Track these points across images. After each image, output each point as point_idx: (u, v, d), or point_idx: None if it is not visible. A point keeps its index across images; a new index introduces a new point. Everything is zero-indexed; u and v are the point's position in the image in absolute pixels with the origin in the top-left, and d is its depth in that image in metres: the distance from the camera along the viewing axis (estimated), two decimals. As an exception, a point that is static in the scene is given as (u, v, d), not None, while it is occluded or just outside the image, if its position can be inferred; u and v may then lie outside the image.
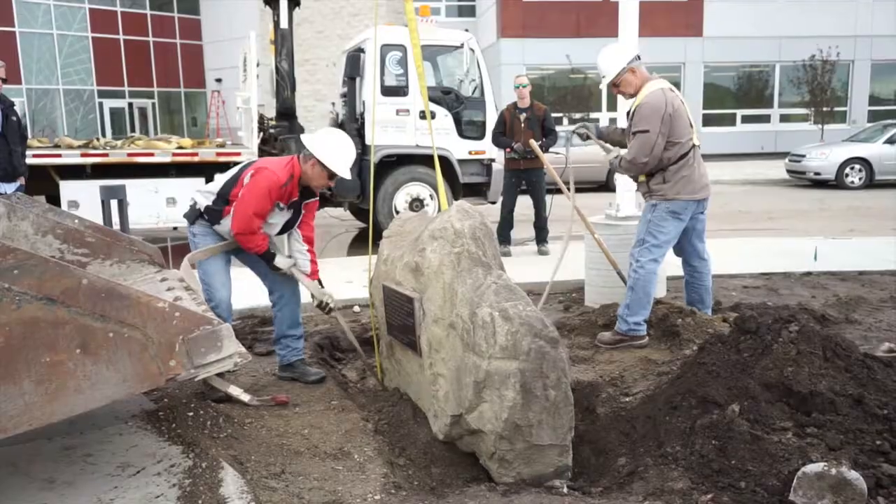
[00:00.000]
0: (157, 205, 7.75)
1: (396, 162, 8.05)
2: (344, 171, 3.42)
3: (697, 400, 2.69)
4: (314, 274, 3.69)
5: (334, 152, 3.39)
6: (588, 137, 4.33)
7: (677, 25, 20.60)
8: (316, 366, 3.83)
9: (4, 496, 2.42)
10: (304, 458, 2.83)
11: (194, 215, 3.52)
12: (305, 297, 3.81)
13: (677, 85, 24.98)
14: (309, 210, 3.64)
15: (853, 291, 5.21)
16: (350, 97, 8.15)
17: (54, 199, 7.63)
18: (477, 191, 8.44)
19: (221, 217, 3.45)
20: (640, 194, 4.17)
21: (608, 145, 4.28)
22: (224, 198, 3.43)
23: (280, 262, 3.53)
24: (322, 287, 3.72)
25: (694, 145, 3.93)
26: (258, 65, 8.11)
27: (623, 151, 4.08)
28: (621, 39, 4.93)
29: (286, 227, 3.59)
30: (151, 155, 8.03)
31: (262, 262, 3.60)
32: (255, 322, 4.78)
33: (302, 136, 3.70)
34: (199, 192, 3.59)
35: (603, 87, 4.12)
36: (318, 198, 3.69)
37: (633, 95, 3.98)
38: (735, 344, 2.94)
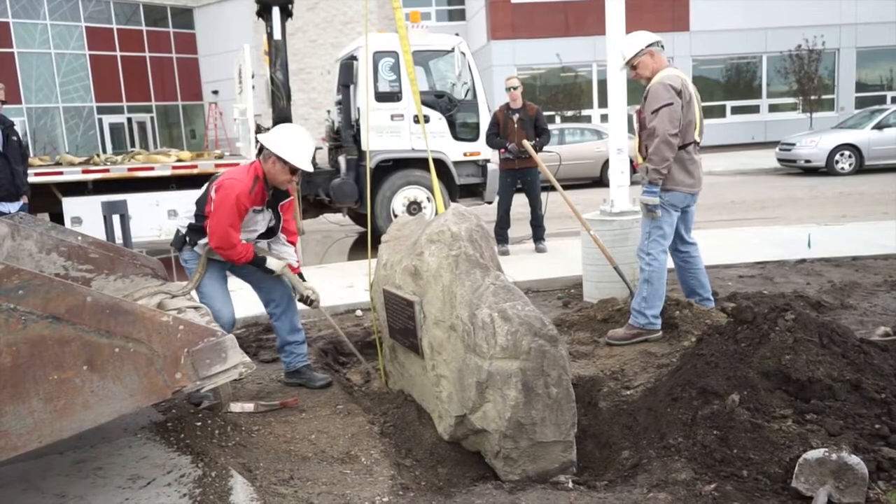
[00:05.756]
0: (158, 218, 7.81)
1: (393, 166, 8.10)
2: (303, 163, 3.41)
3: (698, 391, 2.72)
4: (297, 268, 3.71)
5: (290, 146, 3.38)
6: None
7: (664, 20, 20.65)
8: (320, 371, 3.86)
9: (18, 513, 2.45)
10: (311, 463, 2.87)
11: (180, 242, 3.55)
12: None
13: (668, 79, 24.97)
14: (285, 210, 3.64)
15: (847, 277, 5.24)
16: (345, 104, 8.20)
17: (57, 217, 7.68)
18: (473, 191, 8.49)
19: (204, 234, 3.45)
20: (639, 186, 4.21)
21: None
22: (201, 215, 3.45)
23: (272, 264, 3.52)
24: (304, 281, 3.72)
25: (695, 140, 3.98)
26: (253, 76, 8.17)
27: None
28: (609, 36, 4.98)
29: (270, 232, 3.60)
30: (151, 169, 8.09)
31: (255, 274, 3.62)
32: (259, 330, 4.81)
33: (259, 136, 3.67)
34: (183, 219, 3.61)
35: (622, 69, 4.20)
36: (292, 197, 3.68)
37: (648, 79, 4.03)
38: (733, 334, 2.98)
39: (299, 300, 3.69)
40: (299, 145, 3.42)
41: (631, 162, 6.06)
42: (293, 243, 3.77)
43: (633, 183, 5.16)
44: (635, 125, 4.12)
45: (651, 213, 3.93)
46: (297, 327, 3.75)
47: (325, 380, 3.71)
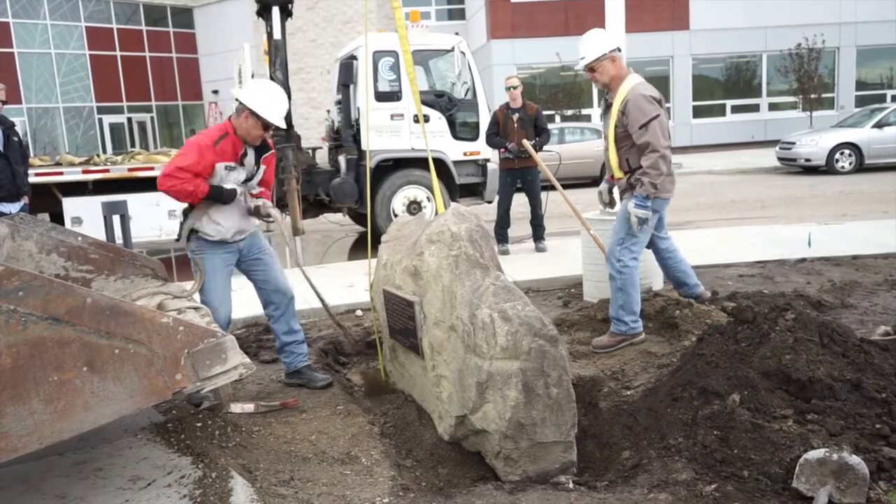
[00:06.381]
0: (158, 218, 7.82)
1: (393, 166, 8.10)
2: (276, 118, 3.39)
3: (698, 391, 2.72)
4: (261, 193, 3.66)
5: (264, 101, 3.37)
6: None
7: (664, 20, 20.67)
8: (321, 371, 3.86)
9: (18, 514, 2.45)
10: (312, 463, 2.87)
11: (187, 231, 3.54)
12: (304, 303, 3.82)
13: (666, 79, 25.00)
14: (268, 163, 3.64)
15: (847, 276, 5.24)
16: (345, 104, 8.20)
17: (58, 217, 7.69)
18: (473, 191, 8.49)
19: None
20: (618, 192, 4.22)
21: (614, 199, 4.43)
22: None
23: (230, 189, 3.41)
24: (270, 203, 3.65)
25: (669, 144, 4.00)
26: (253, 75, 8.16)
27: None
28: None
29: (247, 181, 3.56)
30: (151, 169, 8.10)
31: (259, 272, 3.63)
32: (259, 330, 4.81)
33: (233, 90, 3.65)
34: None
35: (579, 68, 4.09)
36: (273, 151, 3.68)
37: (605, 85, 3.99)
38: (733, 334, 2.98)
39: (250, 213, 3.57)
40: (273, 101, 3.40)
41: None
42: (265, 195, 3.69)
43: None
44: (609, 135, 4.05)
45: (641, 224, 3.87)
46: (295, 329, 3.75)
47: (325, 380, 3.72)
